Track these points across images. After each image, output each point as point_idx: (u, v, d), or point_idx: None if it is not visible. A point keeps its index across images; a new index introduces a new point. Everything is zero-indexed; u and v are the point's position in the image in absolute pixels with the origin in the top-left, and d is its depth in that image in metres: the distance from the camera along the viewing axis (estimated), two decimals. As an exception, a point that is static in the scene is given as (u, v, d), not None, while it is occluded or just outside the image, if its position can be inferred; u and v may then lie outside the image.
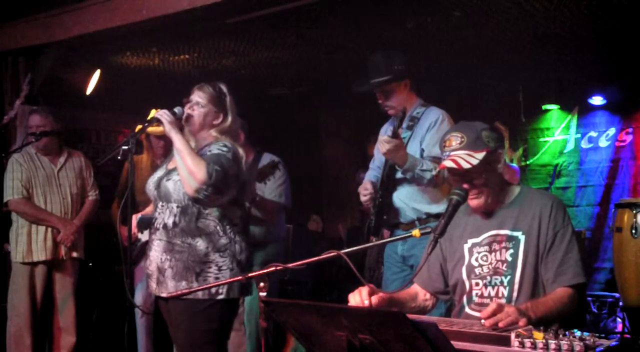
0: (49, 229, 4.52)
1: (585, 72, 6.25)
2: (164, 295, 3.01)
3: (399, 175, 3.58)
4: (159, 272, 3.00)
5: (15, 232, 4.52)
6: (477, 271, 2.47)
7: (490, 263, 2.45)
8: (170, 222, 2.99)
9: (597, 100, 6.57)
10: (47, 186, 4.55)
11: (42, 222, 4.50)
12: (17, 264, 4.52)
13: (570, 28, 5.04)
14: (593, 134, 6.67)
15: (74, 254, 4.63)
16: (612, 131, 6.56)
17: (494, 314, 2.02)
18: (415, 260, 3.52)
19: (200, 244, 2.96)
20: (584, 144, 6.71)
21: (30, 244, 4.49)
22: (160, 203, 3.05)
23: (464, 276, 2.50)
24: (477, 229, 2.51)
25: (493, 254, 2.46)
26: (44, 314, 4.59)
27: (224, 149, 3.01)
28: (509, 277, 2.40)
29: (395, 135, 3.40)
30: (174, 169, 3.04)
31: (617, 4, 4.52)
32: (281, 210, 4.43)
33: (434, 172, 3.40)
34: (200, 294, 2.92)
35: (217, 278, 2.94)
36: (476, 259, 2.49)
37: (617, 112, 6.53)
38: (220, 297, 2.96)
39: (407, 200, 3.59)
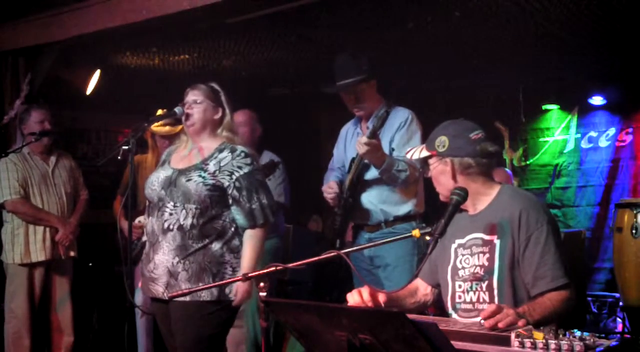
0: (47, 229, 4.47)
1: (585, 72, 6.24)
2: (160, 296, 2.95)
3: (369, 176, 3.59)
4: (170, 276, 2.92)
5: (11, 234, 4.44)
6: (460, 273, 2.47)
7: (471, 266, 2.44)
8: (187, 223, 2.93)
9: (597, 100, 6.55)
10: (43, 185, 4.51)
11: (41, 222, 4.45)
12: (14, 265, 4.43)
13: (570, 28, 5.02)
14: (593, 134, 6.65)
15: (71, 253, 4.60)
16: (612, 131, 6.55)
17: (493, 314, 2.02)
18: (381, 261, 3.57)
19: (216, 245, 2.94)
20: (584, 144, 6.70)
21: (28, 244, 4.42)
22: (173, 203, 2.96)
23: (449, 277, 2.51)
24: (463, 229, 2.50)
25: (474, 257, 2.44)
26: (40, 314, 4.55)
27: (247, 161, 3.01)
28: (486, 282, 2.38)
29: (373, 136, 3.38)
30: (189, 169, 3.00)
31: (617, 4, 4.52)
32: (280, 209, 4.42)
33: (407, 173, 3.43)
34: (209, 296, 2.88)
35: None
36: (460, 261, 2.49)
37: (617, 112, 6.51)
38: (232, 296, 2.94)
39: (376, 201, 3.59)
